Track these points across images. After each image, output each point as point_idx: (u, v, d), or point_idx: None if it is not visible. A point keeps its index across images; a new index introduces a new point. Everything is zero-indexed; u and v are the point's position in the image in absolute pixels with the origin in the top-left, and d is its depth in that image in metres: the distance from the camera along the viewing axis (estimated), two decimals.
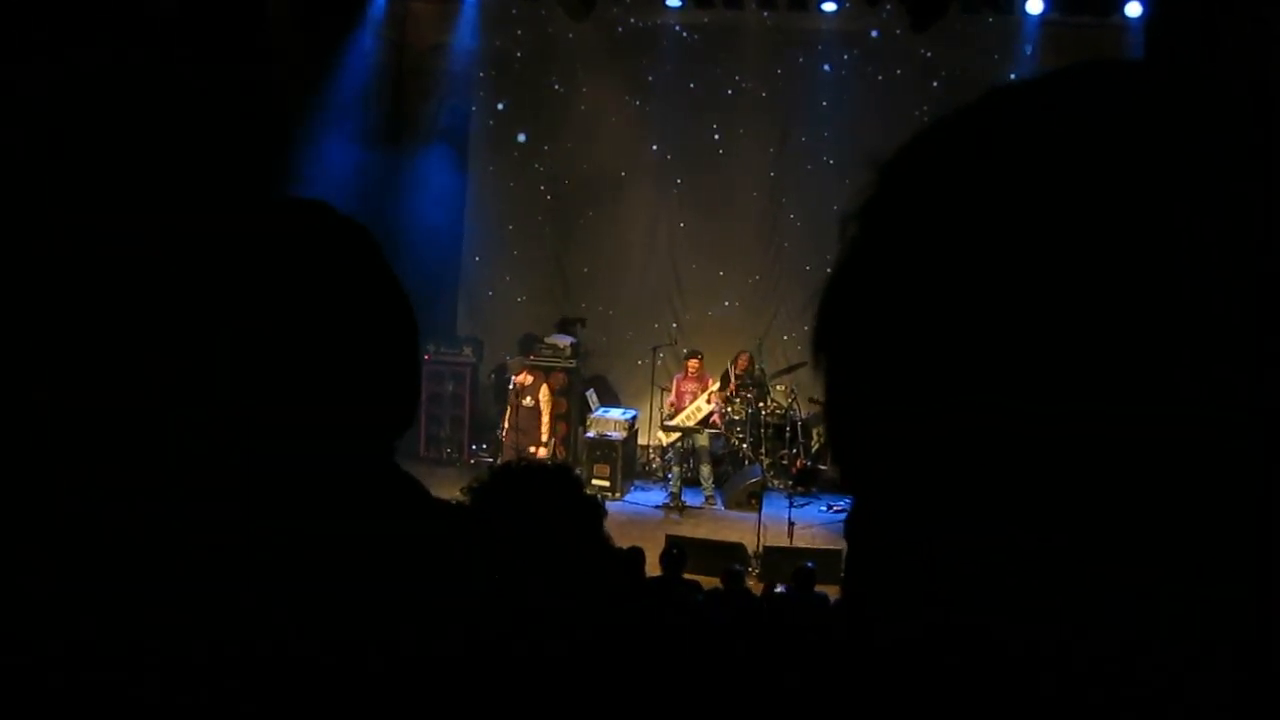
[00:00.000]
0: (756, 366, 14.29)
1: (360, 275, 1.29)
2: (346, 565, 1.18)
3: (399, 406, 1.33)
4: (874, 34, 14.62)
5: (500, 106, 15.58)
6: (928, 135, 0.61)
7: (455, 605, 1.24)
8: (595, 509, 2.36)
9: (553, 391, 13.73)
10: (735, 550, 10.93)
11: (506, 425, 13.26)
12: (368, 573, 1.19)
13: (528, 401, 13.07)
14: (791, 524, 11.81)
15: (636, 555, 8.24)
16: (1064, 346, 0.51)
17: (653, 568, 8.99)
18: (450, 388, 14.72)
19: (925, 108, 14.21)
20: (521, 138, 15.43)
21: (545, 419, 13.14)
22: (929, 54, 14.42)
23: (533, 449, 12.72)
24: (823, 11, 14.49)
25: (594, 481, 13.20)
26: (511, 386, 13.16)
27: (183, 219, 1.25)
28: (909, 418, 0.55)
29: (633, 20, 15.05)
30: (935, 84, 14.36)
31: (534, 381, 13.25)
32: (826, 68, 14.95)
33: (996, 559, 0.53)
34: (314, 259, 1.26)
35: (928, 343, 0.55)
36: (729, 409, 13.97)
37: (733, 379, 13.90)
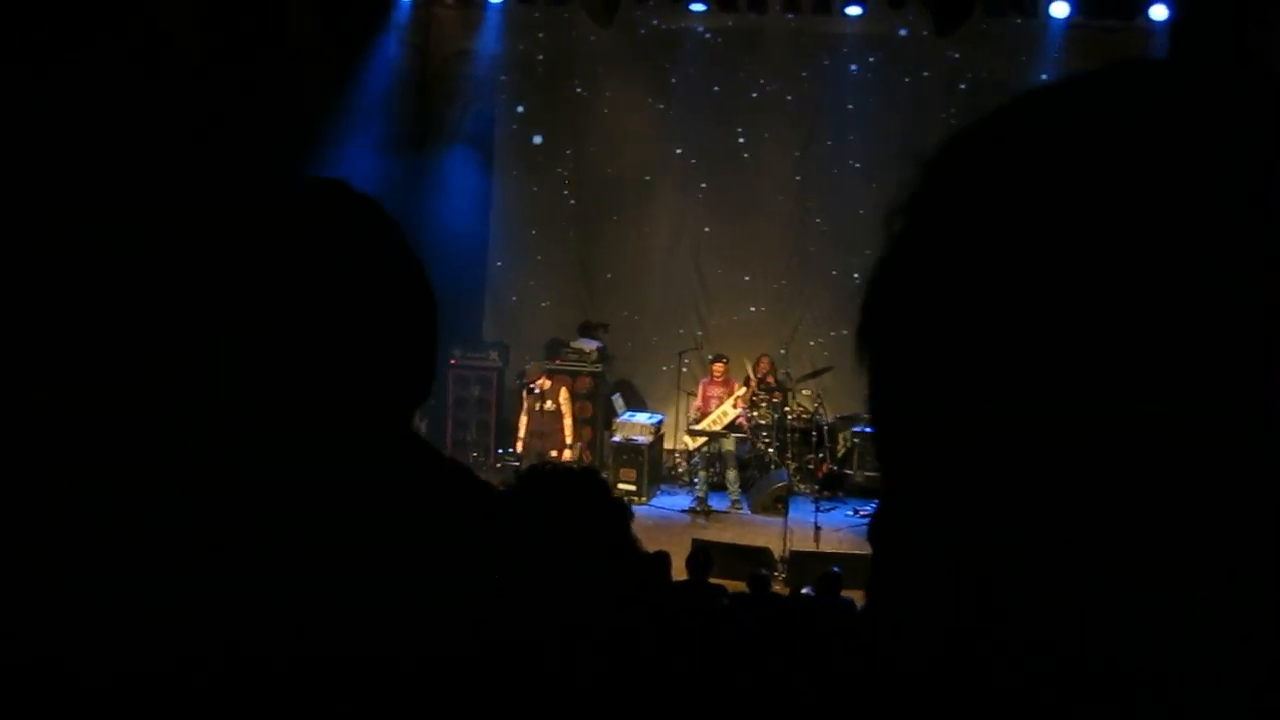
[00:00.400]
0: (782, 371, 14.27)
1: (375, 252, 1.27)
2: (350, 564, 1.17)
3: (415, 383, 1.31)
4: (902, 32, 14.52)
5: (522, 110, 15.58)
6: (974, 131, 0.61)
7: (461, 605, 1.23)
8: (623, 512, 2.35)
9: (573, 394, 13.75)
10: (761, 555, 10.91)
11: (523, 430, 13.20)
12: (370, 572, 1.18)
13: (549, 406, 13.04)
14: (818, 528, 11.78)
15: (662, 559, 8.23)
16: (1099, 348, 0.51)
17: (679, 572, 8.98)
18: (476, 392, 14.76)
19: (952, 110, 14.16)
20: (537, 139, 15.43)
21: (568, 421, 13.11)
22: (957, 55, 14.36)
23: (555, 452, 12.68)
24: (847, 15, 14.41)
25: (620, 485, 13.19)
26: (534, 391, 13.10)
27: (192, 211, 1.24)
28: (948, 418, 0.56)
29: (655, 22, 15.02)
30: (962, 86, 14.32)
31: (553, 385, 13.23)
32: (853, 68, 14.88)
33: (1024, 563, 0.53)
34: (327, 238, 1.24)
35: (969, 341, 0.55)
36: (755, 413, 13.95)
37: (754, 379, 13.87)
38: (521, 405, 13.32)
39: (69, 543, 1.14)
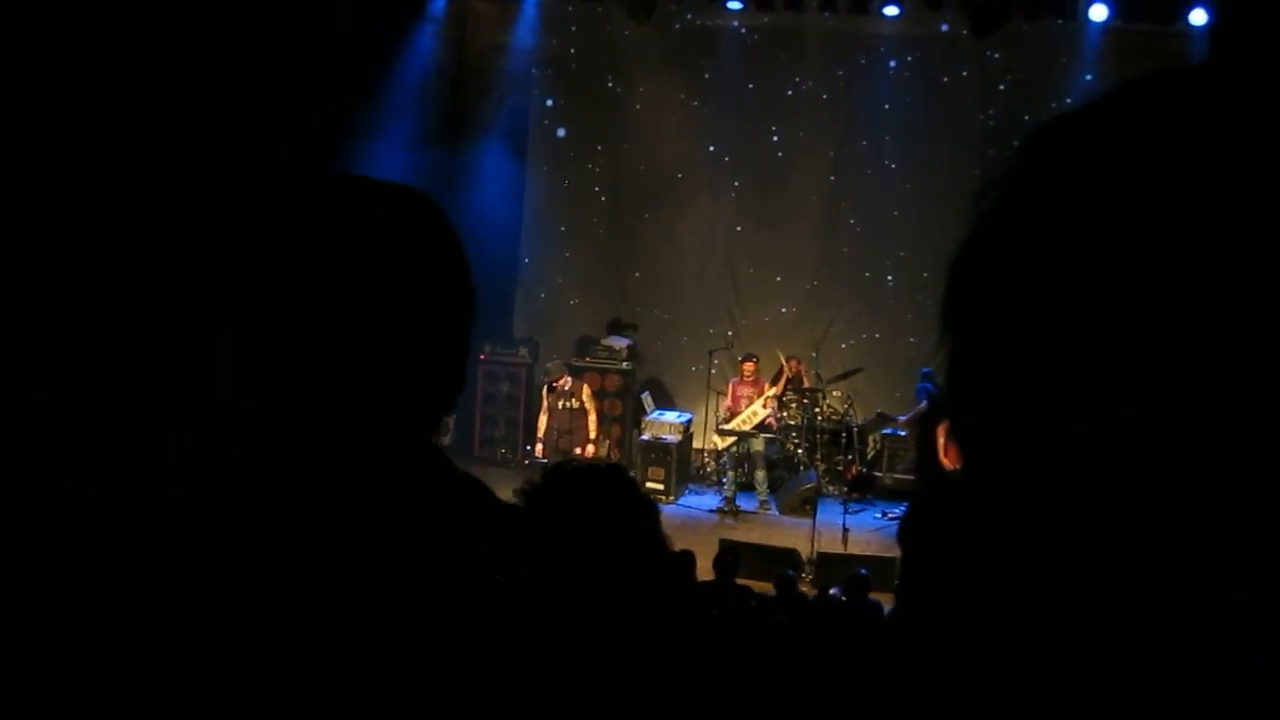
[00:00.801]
0: (812, 372, 14.23)
1: (380, 251, 1.25)
2: (348, 564, 1.16)
3: (423, 383, 1.29)
4: (944, 27, 14.34)
5: (549, 103, 15.54)
6: (1078, 115, 0.61)
7: (459, 606, 1.21)
8: (650, 509, 2.33)
9: (603, 392, 13.73)
10: (789, 556, 10.89)
11: (543, 429, 13.10)
12: (369, 572, 1.17)
13: (573, 404, 13.00)
14: (846, 530, 11.76)
15: (687, 558, 8.21)
16: (1140, 354, 0.51)
17: (705, 572, 8.97)
18: (505, 388, 14.77)
19: (990, 111, 14.06)
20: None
21: (592, 418, 13.04)
22: (996, 55, 14.24)
23: (579, 449, 12.65)
24: (884, 15, 14.30)
25: (648, 484, 13.18)
26: (555, 389, 13.05)
27: (202, 210, 1.23)
28: (1019, 418, 0.56)
29: (689, 16, 14.96)
30: (1001, 87, 14.21)
31: (576, 382, 13.18)
32: (892, 63, 14.76)
33: (1060, 569, 0.53)
34: (334, 238, 1.22)
35: (1042, 333, 0.55)
36: (784, 414, 13.93)
37: (786, 371, 13.82)
38: (542, 404, 13.24)
39: (69, 543, 1.13)
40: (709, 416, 14.38)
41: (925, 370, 13.45)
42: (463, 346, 1.32)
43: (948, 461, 12.12)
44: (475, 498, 1.35)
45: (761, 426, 13.51)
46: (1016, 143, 0.64)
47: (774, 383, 13.74)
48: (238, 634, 1.13)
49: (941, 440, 11.97)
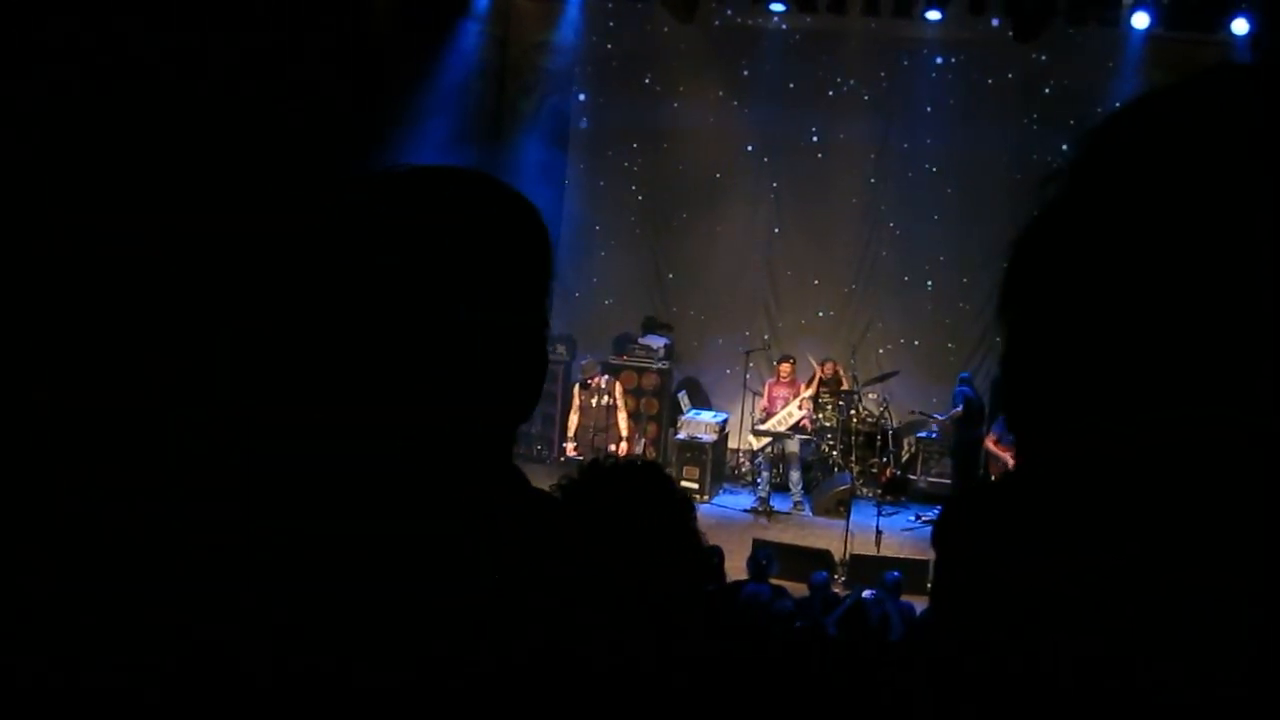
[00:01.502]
0: (849, 374, 14.19)
1: (395, 248, 1.24)
2: (349, 564, 1.16)
3: (426, 383, 1.27)
4: (995, 22, 14.11)
5: (588, 101, 15.50)
6: (1144, 105, 0.60)
7: (460, 606, 1.21)
8: (686, 505, 2.33)
9: (640, 391, 13.69)
10: (822, 556, 10.88)
11: (574, 428, 13.03)
12: (370, 572, 1.17)
13: (605, 400, 12.97)
14: (879, 532, 11.74)
15: (715, 554, 8.20)
16: (1157, 355, 0.51)
17: (738, 571, 8.98)
18: None
19: (1035, 115, 13.92)
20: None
21: (622, 415, 13.01)
22: (1043, 58, 14.10)
23: (613, 446, 12.63)
24: (927, 19, 14.17)
25: (683, 483, 13.18)
26: (588, 386, 13.01)
27: (214, 209, 1.24)
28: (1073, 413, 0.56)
29: (729, 13, 14.88)
30: (1046, 90, 14.06)
31: (609, 381, 13.17)
32: (933, 71, 14.63)
33: (1086, 572, 0.53)
34: (340, 235, 1.22)
35: (1103, 322, 0.55)
36: (820, 416, 13.90)
37: (818, 378, 13.80)
38: (573, 401, 13.22)
39: (69, 543, 1.14)
40: (744, 417, 14.36)
41: (964, 375, 13.41)
42: (511, 348, 1.30)
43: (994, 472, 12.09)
44: (498, 498, 1.33)
45: (796, 428, 13.49)
46: (1065, 146, 0.64)
47: (806, 385, 13.74)
48: (238, 634, 1.13)
49: (992, 447, 11.93)
